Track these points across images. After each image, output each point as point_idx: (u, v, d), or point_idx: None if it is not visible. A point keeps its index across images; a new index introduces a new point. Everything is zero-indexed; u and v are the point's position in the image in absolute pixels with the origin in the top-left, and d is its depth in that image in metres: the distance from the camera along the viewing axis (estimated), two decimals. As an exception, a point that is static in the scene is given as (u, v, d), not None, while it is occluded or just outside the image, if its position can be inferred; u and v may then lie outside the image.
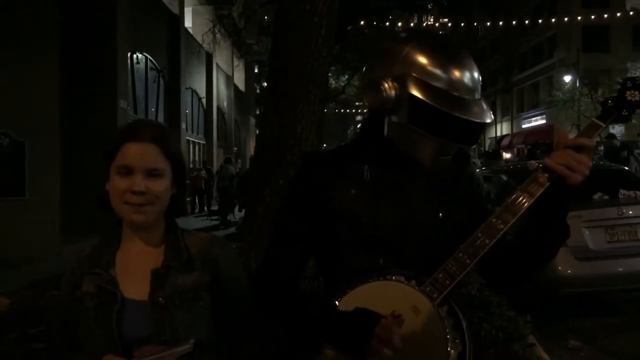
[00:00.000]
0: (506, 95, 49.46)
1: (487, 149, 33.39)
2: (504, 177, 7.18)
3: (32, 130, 8.82)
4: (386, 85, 1.41)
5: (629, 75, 29.65)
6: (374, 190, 1.46)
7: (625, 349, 4.88)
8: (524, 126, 44.23)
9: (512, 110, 47.51)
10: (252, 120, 35.40)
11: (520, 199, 1.35)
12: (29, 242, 8.42)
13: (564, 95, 34.46)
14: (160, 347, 1.31)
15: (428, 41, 1.46)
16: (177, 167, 1.46)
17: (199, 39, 19.71)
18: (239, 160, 19.52)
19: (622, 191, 6.11)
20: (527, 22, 30.81)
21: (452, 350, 1.28)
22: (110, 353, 1.31)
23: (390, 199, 1.45)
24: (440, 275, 1.33)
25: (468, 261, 1.33)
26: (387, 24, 20.79)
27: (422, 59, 1.40)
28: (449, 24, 26.18)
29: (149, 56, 15.84)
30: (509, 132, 47.07)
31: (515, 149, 40.93)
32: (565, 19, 29.89)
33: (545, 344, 4.79)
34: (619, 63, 32.08)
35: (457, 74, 1.40)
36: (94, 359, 1.29)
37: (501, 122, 50.09)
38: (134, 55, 14.49)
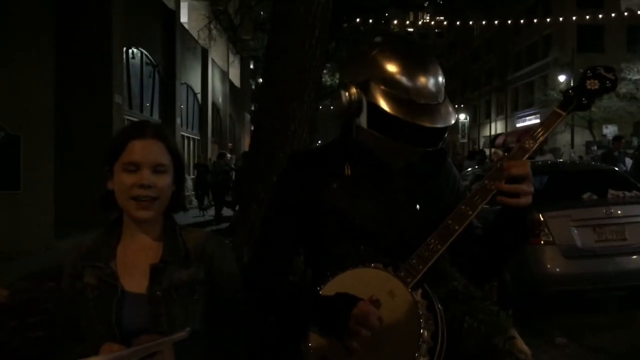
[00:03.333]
0: (501, 94, 49.63)
1: (477, 148, 33.46)
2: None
3: (27, 125, 8.84)
4: (351, 90, 1.49)
5: (622, 75, 29.76)
6: (355, 185, 1.54)
7: (611, 346, 4.96)
8: (518, 125, 44.39)
9: (506, 109, 47.68)
10: (247, 116, 35.40)
11: (486, 187, 1.43)
12: (22, 235, 8.45)
13: (558, 95, 34.59)
14: (158, 335, 1.38)
15: (392, 47, 1.52)
16: (178, 164, 1.54)
17: (194, 34, 19.71)
18: (233, 156, 19.51)
19: (610, 191, 6.20)
20: (522, 21, 30.91)
21: (425, 331, 1.35)
22: (109, 342, 1.37)
23: (371, 192, 1.54)
24: (414, 261, 1.41)
25: (439, 246, 1.41)
26: (383, 22, 20.88)
27: (384, 66, 1.47)
28: (444, 22, 26.25)
29: (144, 51, 15.85)
30: (503, 131, 47.23)
31: (509, 148, 41.08)
32: (560, 18, 30.01)
33: (532, 340, 4.87)
34: (613, 63, 31.89)
35: (417, 80, 1.45)
36: (94, 348, 1.35)
37: (495, 121, 50.27)
38: (130, 50, 14.51)
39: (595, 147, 31.67)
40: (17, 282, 3.07)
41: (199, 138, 23.25)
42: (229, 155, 17.19)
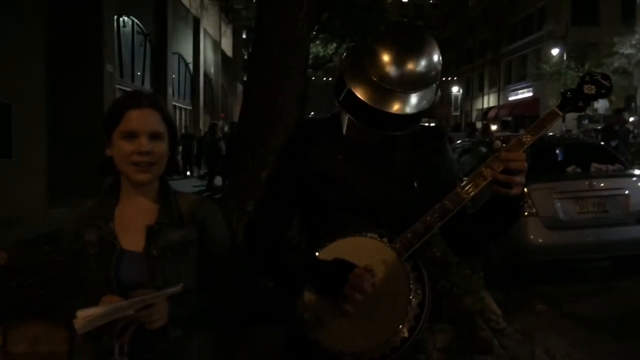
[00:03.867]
0: (494, 67, 49.50)
1: (469, 121, 33.51)
2: (484, 149, 7.42)
3: (19, 93, 8.82)
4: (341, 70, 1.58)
5: (615, 49, 29.59)
6: (359, 159, 1.63)
7: (589, 313, 5.15)
8: (510, 98, 44.41)
9: (499, 82, 47.63)
10: (240, 87, 35.19)
11: (483, 174, 1.52)
12: (15, 203, 8.50)
13: (551, 68, 34.59)
14: (153, 290, 1.50)
15: (385, 32, 1.58)
16: (172, 131, 1.64)
17: (186, 2, 19.52)
18: (225, 127, 19.53)
19: (594, 165, 6.34)
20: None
21: (414, 299, 1.47)
22: (109, 294, 1.49)
23: (372, 167, 1.63)
24: (409, 235, 1.52)
25: (434, 223, 1.51)
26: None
27: (365, 51, 1.54)
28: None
29: (135, 20, 15.72)
30: (496, 104, 47.25)
31: (500, 121, 41.13)
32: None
33: (514, 307, 5.08)
34: (607, 37, 32.14)
35: (393, 65, 1.50)
36: (95, 300, 1.46)
37: (488, 94, 50.24)
38: (121, 19, 14.39)
39: (587, 121, 31.82)
40: (16, 246, 3.17)
41: (190, 108, 23.19)
42: (220, 125, 17.16)
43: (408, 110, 1.51)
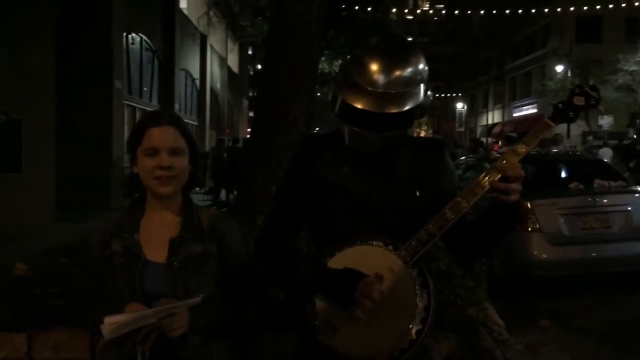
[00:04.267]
0: (499, 83, 49.69)
1: (474, 137, 33.60)
2: (487, 165, 7.50)
3: (29, 109, 8.96)
4: (333, 86, 1.69)
5: (619, 66, 29.66)
6: (363, 170, 1.73)
7: (592, 328, 5.20)
8: (515, 114, 44.51)
9: (504, 98, 47.79)
10: (245, 103, 35.48)
11: (481, 184, 1.62)
12: (24, 217, 8.60)
13: (555, 85, 34.69)
14: (175, 299, 1.59)
15: (370, 43, 1.69)
16: (192, 147, 1.75)
17: (193, 19, 19.77)
18: (230, 141, 19.68)
19: (597, 181, 6.41)
20: (520, 11, 30.90)
21: (420, 303, 1.58)
22: (134, 303, 1.59)
23: (377, 178, 1.72)
24: (413, 243, 1.61)
25: (436, 232, 1.61)
26: (382, 9, 20.91)
27: (354, 63, 1.65)
28: (443, 12, 26.25)
29: (144, 37, 15.93)
30: (501, 120, 47.36)
31: (504, 137, 41.20)
32: (559, 9, 30.03)
33: (518, 322, 5.12)
34: (611, 54, 32.30)
35: (379, 71, 1.61)
36: (120, 308, 1.55)
37: (493, 110, 50.38)
38: (129, 36, 14.59)
39: (591, 138, 31.86)
40: (32, 259, 3.28)
41: (197, 124, 23.36)
42: (226, 140, 17.29)
43: (397, 108, 1.61)
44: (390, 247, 1.63)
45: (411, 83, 1.62)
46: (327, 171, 1.73)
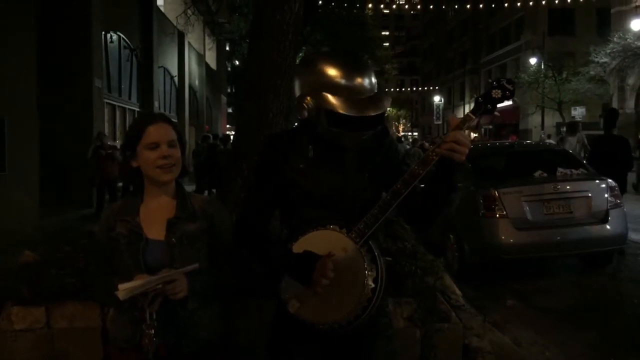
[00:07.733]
0: (475, 76, 50.35)
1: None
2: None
3: (11, 108, 9.07)
4: (307, 100, 1.91)
5: (590, 58, 30.00)
6: (317, 164, 2.00)
7: (555, 307, 5.57)
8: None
9: (480, 91, 48.39)
10: (224, 99, 35.47)
11: (427, 159, 1.85)
12: (8, 215, 8.71)
13: (529, 78, 35.28)
14: (174, 270, 1.91)
15: (328, 59, 1.94)
16: (181, 139, 2.07)
17: (171, 17, 19.85)
18: (210, 136, 19.82)
19: (559, 169, 6.78)
20: (493, 5, 31.32)
21: (369, 276, 1.86)
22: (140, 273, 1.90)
23: (329, 169, 2.00)
24: (361, 226, 1.89)
25: (380, 215, 1.87)
26: (357, 4, 21.18)
27: (326, 77, 1.88)
28: (419, 6, 26.54)
29: (122, 35, 16.03)
30: (477, 112, 47.83)
31: (482, 130, 41.86)
32: (531, 2, 30.52)
33: (486, 302, 5.48)
34: (583, 46, 32.88)
35: (353, 80, 1.87)
36: (127, 279, 1.85)
37: (469, 103, 51.00)
38: (108, 35, 14.68)
39: (564, 128, 32.48)
40: (38, 247, 3.58)
41: (176, 120, 23.40)
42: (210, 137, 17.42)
43: (382, 109, 1.88)
44: (344, 230, 1.90)
45: (377, 84, 1.90)
46: (286, 168, 1.98)
